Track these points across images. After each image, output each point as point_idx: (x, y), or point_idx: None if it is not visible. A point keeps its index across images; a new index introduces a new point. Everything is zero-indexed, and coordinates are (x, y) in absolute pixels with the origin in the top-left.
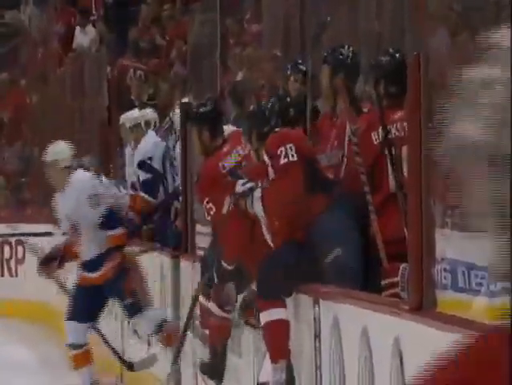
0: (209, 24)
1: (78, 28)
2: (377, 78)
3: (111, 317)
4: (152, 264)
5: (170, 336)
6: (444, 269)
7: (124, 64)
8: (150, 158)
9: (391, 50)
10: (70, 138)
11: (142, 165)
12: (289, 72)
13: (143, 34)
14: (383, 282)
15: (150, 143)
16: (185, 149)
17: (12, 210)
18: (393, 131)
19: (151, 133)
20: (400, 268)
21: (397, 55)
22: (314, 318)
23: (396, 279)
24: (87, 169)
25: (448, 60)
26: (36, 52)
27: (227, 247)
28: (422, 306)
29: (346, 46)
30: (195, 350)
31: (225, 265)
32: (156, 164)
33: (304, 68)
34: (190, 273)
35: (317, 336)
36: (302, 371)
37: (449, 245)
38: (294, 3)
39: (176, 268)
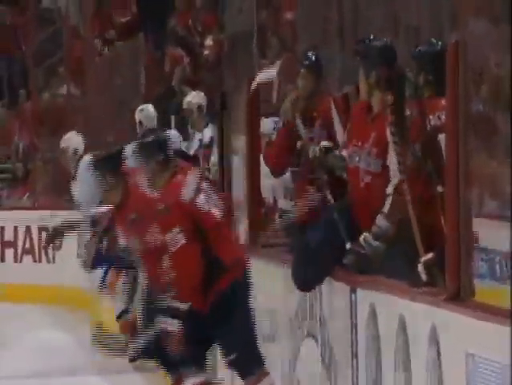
0: (246, 12)
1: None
2: (418, 68)
3: None
4: None
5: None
6: (482, 259)
7: (177, 54)
8: None
9: (433, 40)
10: (108, 126)
11: None
12: (300, 68)
13: (179, 23)
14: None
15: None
16: (221, 136)
17: (51, 197)
18: (436, 120)
19: None
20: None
21: (438, 44)
22: (351, 307)
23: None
24: None
25: (487, 48)
26: (74, 40)
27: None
28: (459, 295)
29: (375, 37)
30: None
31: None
32: None
33: (313, 61)
34: None
35: (354, 324)
36: (339, 359)
37: (487, 234)
38: None
39: None
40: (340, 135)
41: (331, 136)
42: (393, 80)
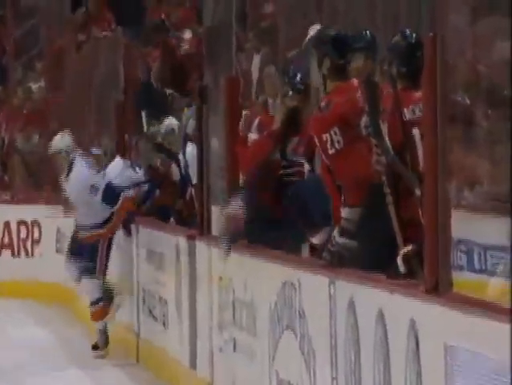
0: (224, 4)
1: None
2: (392, 59)
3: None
4: (168, 245)
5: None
6: (460, 250)
7: (153, 52)
8: None
9: (407, 31)
10: (87, 119)
11: None
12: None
13: (152, 16)
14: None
15: None
16: (201, 130)
17: (29, 191)
18: (413, 112)
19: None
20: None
21: (413, 36)
22: (330, 299)
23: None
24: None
25: (466, 41)
26: (53, 35)
27: None
28: (438, 288)
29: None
30: None
31: None
32: None
33: (299, 81)
34: (206, 254)
35: (332, 316)
36: (318, 352)
37: (465, 226)
38: None
39: (191, 249)
40: None
41: None
42: (368, 82)
